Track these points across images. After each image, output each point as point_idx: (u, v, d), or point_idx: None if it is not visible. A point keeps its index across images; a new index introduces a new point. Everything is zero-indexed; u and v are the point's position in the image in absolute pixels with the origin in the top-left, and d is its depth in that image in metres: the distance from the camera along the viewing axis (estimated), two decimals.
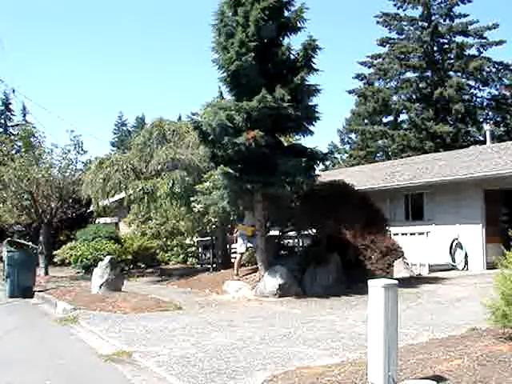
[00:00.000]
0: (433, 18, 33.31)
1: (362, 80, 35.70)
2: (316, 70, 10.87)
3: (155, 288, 13.24)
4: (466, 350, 4.99)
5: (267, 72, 10.61)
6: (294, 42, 11.07)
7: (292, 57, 10.82)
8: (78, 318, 8.72)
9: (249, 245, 12.96)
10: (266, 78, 10.43)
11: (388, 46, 34.72)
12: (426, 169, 17.07)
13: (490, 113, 34.49)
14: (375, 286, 4.18)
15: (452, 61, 33.31)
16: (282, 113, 10.12)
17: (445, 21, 33.48)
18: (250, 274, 12.59)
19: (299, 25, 10.90)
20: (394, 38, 34.64)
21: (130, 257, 18.70)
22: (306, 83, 10.74)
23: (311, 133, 11.21)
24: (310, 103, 10.96)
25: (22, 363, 6.05)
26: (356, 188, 13.45)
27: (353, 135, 41.37)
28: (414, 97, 34.09)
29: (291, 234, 13.95)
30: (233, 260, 13.99)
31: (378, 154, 37.59)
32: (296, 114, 10.31)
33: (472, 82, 33.69)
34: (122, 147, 41.38)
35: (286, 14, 10.93)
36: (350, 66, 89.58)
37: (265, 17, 10.26)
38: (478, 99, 34.31)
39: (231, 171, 10.60)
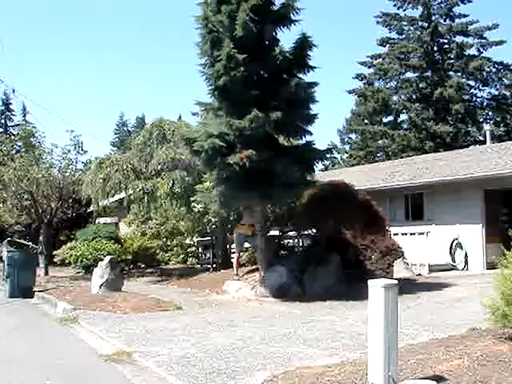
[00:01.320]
0: (433, 18, 33.34)
1: (361, 80, 35.72)
2: (312, 68, 10.43)
3: (155, 288, 13.24)
4: (466, 350, 4.98)
5: (259, 78, 10.11)
6: (290, 36, 10.59)
7: (286, 56, 10.19)
8: (78, 318, 8.72)
9: (246, 245, 13.00)
10: (257, 87, 9.89)
11: (388, 45, 34.73)
12: (425, 169, 17.06)
13: (490, 113, 34.54)
14: (375, 286, 4.18)
15: (452, 61, 33.33)
16: (277, 122, 9.79)
17: (445, 21, 33.52)
18: (250, 273, 12.59)
19: (293, 17, 10.23)
20: (394, 38, 34.66)
21: (129, 257, 18.69)
22: (302, 85, 10.19)
23: (310, 133, 10.89)
24: (308, 98, 10.39)
25: (22, 363, 6.05)
26: (356, 188, 13.44)
27: (353, 135, 41.37)
28: (413, 97, 34.10)
29: (291, 233, 13.95)
30: (233, 260, 13.99)
31: (378, 154, 37.57)
32: (292, 118, 10.06)
33: (472, 82, 33.75)
34: (122, 147, 41.38)
35: (277, 5, 10.24)
36: (350, 66, 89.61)
37: (254, 17, 9.48)
38: (478, 99, 34.41)
39: (226, 191, 10.38)
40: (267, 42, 10.42)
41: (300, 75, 10.36)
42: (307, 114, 10.61)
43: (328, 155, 12.43)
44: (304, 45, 10.16)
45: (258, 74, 10.16)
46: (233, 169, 9.66)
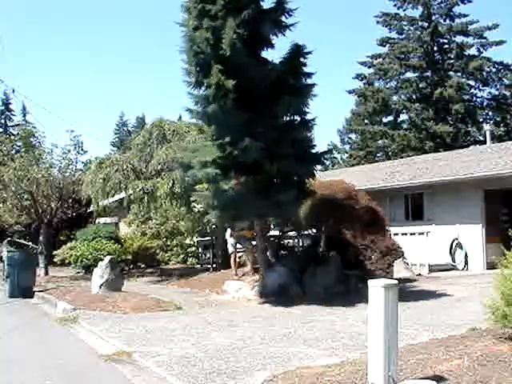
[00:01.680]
0: (433, 18, 33.34)
1: (361, 80, 35.73)
2: (308, 75, 9.84)
3: (155, 288, 13.24)
4: (466, 350, 4.99)
5: (251, 98, 9.36)
6: (286, 40, 9.94)
7: (280, 69, 9.61)
8: (78, 318, 8.73)
9: (238, 246, 13.26)
10: (250, 108, 9.19)
11: (388, 45, 34.73)
12: (426, 169, 17.07)
13: (490, 113, 34.54)
14: (375, 286, 4.18)
15: (452, 61, 33.34)
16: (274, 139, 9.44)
17: (445, 21, 33.53)
18: (250, 273, 12.60)
19: (287, 21, 9.62)
20: (394, 38, 34.66)
21: (129, 257, 18.69)
22: (296, 100, 9.62)
23: (310, 139, 10.38)
24: (304, 106, 9.92)
25: (22, 363, 6.05)
26: (356, 188, 13.44)
27: (353, 135, 41.38)
28: (413, 97, 34.11)
29: (291, 233, 13.95)
30: (237, 260, 14.03)
31: (378, 154, 37.59)
32: (290, 133, 9.72)
33: (472, 82, 33.76)
34: (122, 147, 41.37)
35: (268, 5, 9.58)
36: (350, 66, 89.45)
37: (243, 32, 8.78)
38: (478, 99, 34.42)
39: (222, 213, 10.26)
40: (259, 54, 9.90)
41: (292, 99, 9.63)
42: (305, 120, 10.09)
43: (327, 155, 12.18)
44: (297, 55, 9.60)
45: (250, 92, 9.42)
46: (227, 194, 9.45)
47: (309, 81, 9.95)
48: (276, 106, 9.47)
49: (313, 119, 10.19)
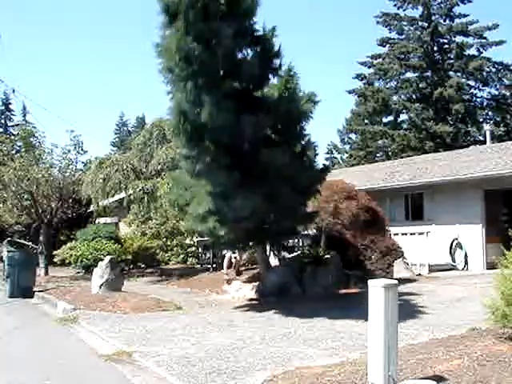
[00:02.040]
0: (433, 17, 33.35)
1: (362, 80, 35.72)
2: (305, 112, 9.39)
3: (155, 288, 13.24)
4: (466, 350, 4.99)
5: (243, 153, 9.01)
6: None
7: (273, 112, 9.05)
8: (78, 318, 8.73)
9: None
10: (241, 163, 8.73)
11: (388, 45, 34.74)
12: (425, 169, 17.07)
13: (489, 113, 34.54)
14: (375, 286, 4.18)
15: (452, 61, 33.36)
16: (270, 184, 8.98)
17: (445, 21, 33.55)
18: (249, 273, 12.61)
19: (277, 61, 9.12)
20: (394, 38, 34.67)
21: (129, 257, 18.68)
22: (289, 148, 9.29)
23: (311, 166, 9.93)
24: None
25: (22, 363, 6.05)
26: (356, 188, 13.46)
27: (353, 135, 41.38)
28: (414, 97, 34.11)
29: None
30: (233, 260, 14.02)
31: (378, 154, 37.59)
32: (288, 169, 9.12)
33: (472, 82, 33.77)
34: (122, 147, 41.37)
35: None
36: (350, 66, 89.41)
37: (223, 106, 8.27)
38: (478, 99, 34.43)
39: (220, 245, 10.43)
40: (251, 102, 9.25)
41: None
42: (303, 150, 9.69)
43: (328, 161, 11.96)
44: (290, 91, 9.15)
45: (243, 146, 9.10)
46: (223, 238, 9.47)
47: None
48: (271, 153, 8.88)
49: (315, 145, 9.85)
